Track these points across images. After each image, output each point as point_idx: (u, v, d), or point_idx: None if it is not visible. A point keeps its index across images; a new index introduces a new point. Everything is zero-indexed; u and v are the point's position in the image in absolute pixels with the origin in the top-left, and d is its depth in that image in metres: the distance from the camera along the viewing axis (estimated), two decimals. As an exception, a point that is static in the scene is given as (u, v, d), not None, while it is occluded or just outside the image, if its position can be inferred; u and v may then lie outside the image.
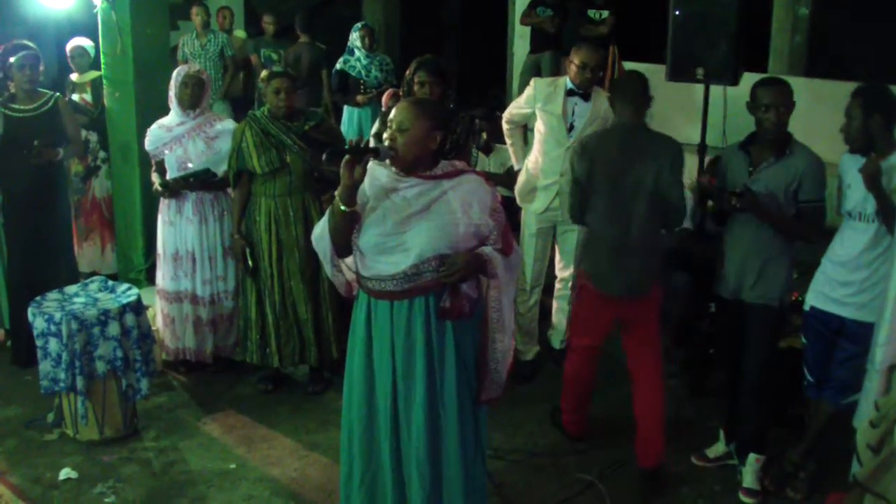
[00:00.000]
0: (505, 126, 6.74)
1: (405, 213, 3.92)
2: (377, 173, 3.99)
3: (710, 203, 5.73)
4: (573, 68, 6.25)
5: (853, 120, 4.79)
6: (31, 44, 6.58)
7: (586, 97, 6.31)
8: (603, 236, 5.27)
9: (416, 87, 5.83)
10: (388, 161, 3.93)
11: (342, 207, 3.89)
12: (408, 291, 3.99)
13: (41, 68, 6.61)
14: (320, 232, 4.09)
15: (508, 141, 6.79)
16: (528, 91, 6.52)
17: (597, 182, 5.23)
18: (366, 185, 3.98)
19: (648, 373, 5.40)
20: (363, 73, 9.94)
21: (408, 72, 5.95)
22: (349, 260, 4.17)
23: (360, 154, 3.81)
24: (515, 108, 6.64)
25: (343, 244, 4.06)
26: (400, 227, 3.92)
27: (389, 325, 4.06)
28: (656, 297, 5.38)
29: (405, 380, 4.08)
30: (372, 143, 6.15)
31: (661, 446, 5.31)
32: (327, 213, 4.03)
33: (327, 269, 4.22)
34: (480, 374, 4.18)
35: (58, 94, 6.79)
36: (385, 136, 3.96)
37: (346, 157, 3.80)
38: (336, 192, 3.91)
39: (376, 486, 4.29)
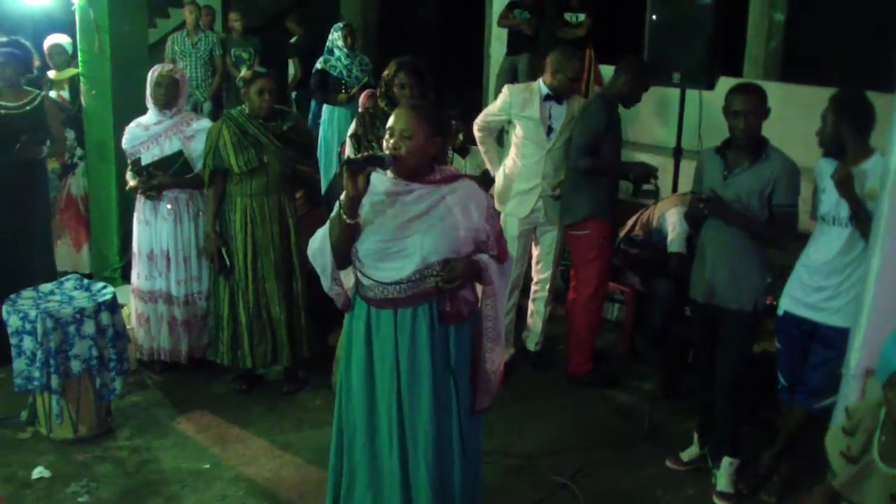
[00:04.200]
0: (477, 133, 6.74)
1: (405, 217, 3.88)
2: (374, 180, 3.93)
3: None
4: (557, 76, 6.30)
5: (826, 124, 4.83)
6: (22, 41, 6.60)
7: (560, 100, 6.36)
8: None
9: (395, 89, 5.83)
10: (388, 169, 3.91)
11: (346, 219, 3.84)
12: (411, 298, 3.96)
13: (36, 63, 6.60)
14: (319, 245, 4.02)
15: (482, 148, 6.80)
16: (503, 98, 6.55)
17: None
18: None
19: (575, 307, 6.58)
20: (344, 72, 9.90)
21: (386, 72, 5.94)
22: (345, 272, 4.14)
23: (366, 164, 3.78)
24: (489, 116, 6.66)
25: (345, 255, 4.01)
26: (400, 232, 3.88)
27: (393, 333, 4.03)
28: (590, 237, 6.43)
29: (410, 387, 4.04)
30: (349, 144, 6.17)
31: (578, 364, 6.60)
32: (326, 226, 3.98)
33: (325, 282, 4.13)
34: (473, 384, 4.18)
35: (44, 92, 6.79)
36: (387, 143, 3.91)
37: (348, 167, 3.76)
38: (339, 202, 3.85)
39: (381, 495, 4.22)
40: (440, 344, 4.04)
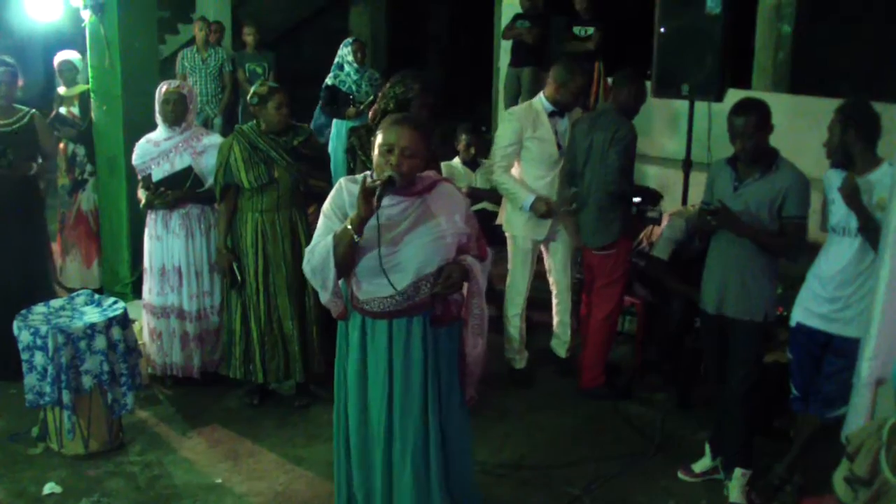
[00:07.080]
0: (500, 172, 6.43)
1: (394, 232, 3.92)
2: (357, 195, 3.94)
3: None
4: (561, 90, 6.29)
5: (833, 135, 4.84)
6: (9, 60, 6.61)
7: (563, 114, 6.37)
8: (581, 194, 6.34)
9: (414, 108, 5.76)
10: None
11: (355, 238, 3.86)
12: (407, 309, 4.04)
13: (20, 83, 6.63)
14: (319, 262, 3.98)
15: (505, 187, 6.43)
16: (511, 126, 6.41)
17: (574, 151, 6.32)
18: (347, 209, 3.98)
19: (593, 322, 6.48)
20: (354, 87, 9.90)
21: (401, 89, 5.83)
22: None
23: (383, 189, 3.78)
24: (503, 154, 6.41)
25: (348, 269, 4.04)
26: (391, 246, 3.92)
27: (387, 343, 4.11)
28: (616, 259, 6.37)
29: (403, 393, 4.14)
30: (344, 159, 6.18)
31: (592, 378, 6.52)
32: (324, 242, 3.96)
33: (325, 296, 4.12)
34: (461, 377, 4.28)
35: (34, 110, 6.79)
36: (387, 160, 3.89)
37: (363, 188, 3.78)
38: (348, 222, 3.87)
39: (372, 495, 4.35)
40: (433, 348, 4.14)
